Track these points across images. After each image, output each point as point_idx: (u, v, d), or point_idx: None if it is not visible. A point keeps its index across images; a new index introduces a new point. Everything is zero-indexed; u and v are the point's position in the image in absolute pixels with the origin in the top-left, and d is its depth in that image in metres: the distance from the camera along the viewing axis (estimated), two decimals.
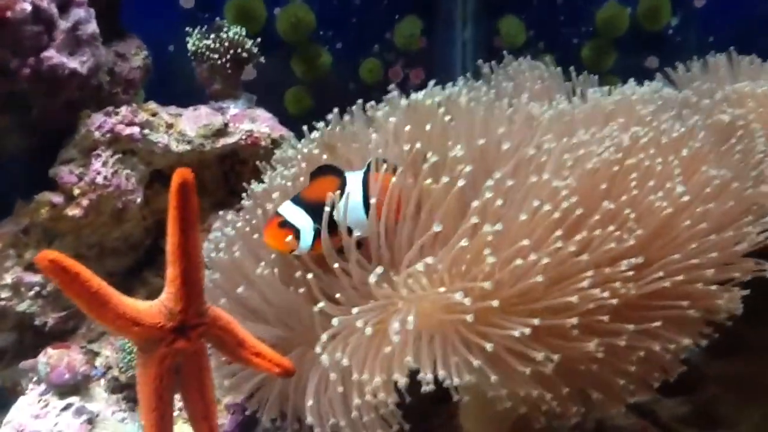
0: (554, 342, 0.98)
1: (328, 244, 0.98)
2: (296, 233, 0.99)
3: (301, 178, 1.17)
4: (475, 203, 0.98)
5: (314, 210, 1.00)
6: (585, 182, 1.04)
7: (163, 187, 1.65)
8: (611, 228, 0.99)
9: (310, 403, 1.02)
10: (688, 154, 1.10)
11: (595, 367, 1.01)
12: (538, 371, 0.96)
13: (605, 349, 0.98)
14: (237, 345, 0.82)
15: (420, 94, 1.20)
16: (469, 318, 0.93)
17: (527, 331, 0.93)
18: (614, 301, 0.96)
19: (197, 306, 0.78)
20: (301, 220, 0.99)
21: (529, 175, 1.03)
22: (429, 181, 1.02)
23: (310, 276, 1.03)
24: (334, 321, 0.99)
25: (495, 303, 0.93)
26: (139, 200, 1.54)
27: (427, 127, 1.10)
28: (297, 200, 1.02)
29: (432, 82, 1.22)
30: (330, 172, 1.04)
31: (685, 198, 1.04)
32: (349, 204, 1.00)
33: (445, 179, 1.01)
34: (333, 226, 1.00)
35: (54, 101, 1.46)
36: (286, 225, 0.99)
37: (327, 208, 0.97)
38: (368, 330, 0.97)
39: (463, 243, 0.96)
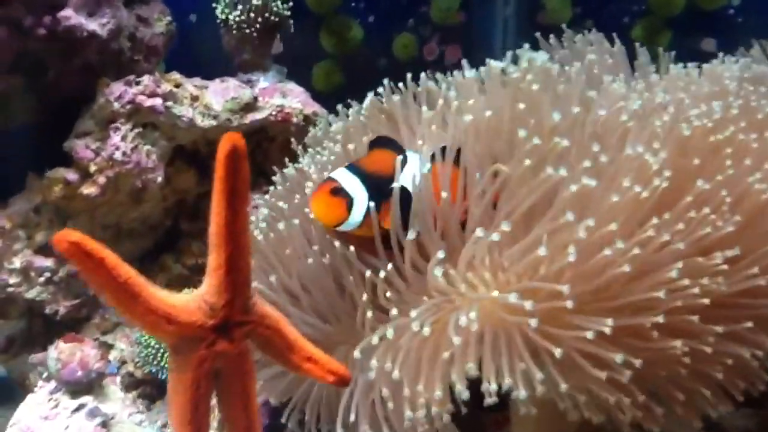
0: (633, 343, 0.85)
1: (394, 222, 0.86)
2: (349, 203, 0.87)
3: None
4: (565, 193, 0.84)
5: (372, 183, 0.87)
6: (676, 155, 0.91)
7: (185, 164, 1.52)
8: (706, 211, 0.86)
9: (353, 418, 0.90)
10: None
11: (680, 372, 0.88)
12: (614, 378, 0.83)
13: (690, 354, 0.86)
14: (287, 348, 0.69)
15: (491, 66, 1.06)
16: (534, 322, 0.80)
17: (607, 330, 0.80)
18: (705, 300, 0.84)
19: (243, 300, 0.65)
20: (357, 189, 0.87)
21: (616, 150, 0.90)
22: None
23: (354, 261, 0.91)
24: (388, 327, 0.86)
25: (569, 303, 0.80)
26: (160, 179, 1.41)
27: (520, 106, 0.96)
28: (354, 168, 0.89)
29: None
30: (391, 146, 0.90)
31: None
32: (411, 188, 0.87)
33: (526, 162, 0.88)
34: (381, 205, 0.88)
35: (70, 65, 1.33)
36: (339, 192, 0.87)
37: (396, 185, 0.83)
38: (426, 330, 0.83)
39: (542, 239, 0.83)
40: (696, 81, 1.12)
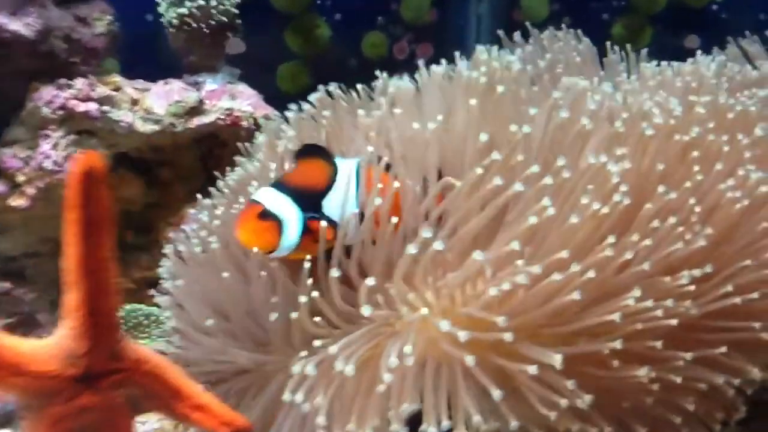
0: (591, 372, 0.76)
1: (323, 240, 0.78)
2: (279, 226, 0.78)
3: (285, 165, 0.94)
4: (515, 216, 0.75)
5: (303, 199, 0.79)
6: (638, 160, 0.82)
7: (130, 173, 1.43)
8: (672, 222, 0.77)
9: None
10: (764, 135, 0.88)
11: (646, 401, 0.80)
12: (573, 408, 0.74)
13: (657, 381, 0.78)
14: (171, 396, 0.59)
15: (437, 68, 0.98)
16: (470, 361, 0.71)
17: (556, 363, 0.71)
18: (672, 322, 0.76)
19: (110, 346, 0.55)
20: (287, 209, 0.78)
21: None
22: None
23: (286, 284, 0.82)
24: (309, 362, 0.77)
25: (507, 336, 0.71)
26: None
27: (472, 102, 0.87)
28: (280, 186, 0.80)
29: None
30: (318, 155, 0.81)
31: (764, 189, 0.84)
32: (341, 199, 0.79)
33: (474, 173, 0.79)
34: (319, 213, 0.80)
35: None
36: (267, 216, 0.78)
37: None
38: (348, 369, 0.74)
39: (478, 256, 0.74)
40: (668, 80, 1.02)
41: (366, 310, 0.77)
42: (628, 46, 1.19)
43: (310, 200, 0.80)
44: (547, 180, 0.78)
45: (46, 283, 1.43)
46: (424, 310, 0.78)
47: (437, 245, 0.75)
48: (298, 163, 0.85)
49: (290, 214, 0.79)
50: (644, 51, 1.19)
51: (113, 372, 0.56)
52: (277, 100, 1.55)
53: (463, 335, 0.71)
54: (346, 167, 0.84)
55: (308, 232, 0.79)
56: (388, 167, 0.83)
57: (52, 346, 0.54)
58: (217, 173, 1.11)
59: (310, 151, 0.84)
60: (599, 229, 0.78)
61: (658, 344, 0.77)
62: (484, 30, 2.00)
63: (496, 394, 0.71)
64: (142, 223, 1.48)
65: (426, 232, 0.75)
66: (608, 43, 1.21)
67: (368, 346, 0.81)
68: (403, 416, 0.75)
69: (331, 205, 0.82)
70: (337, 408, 0.79)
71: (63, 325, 0.54)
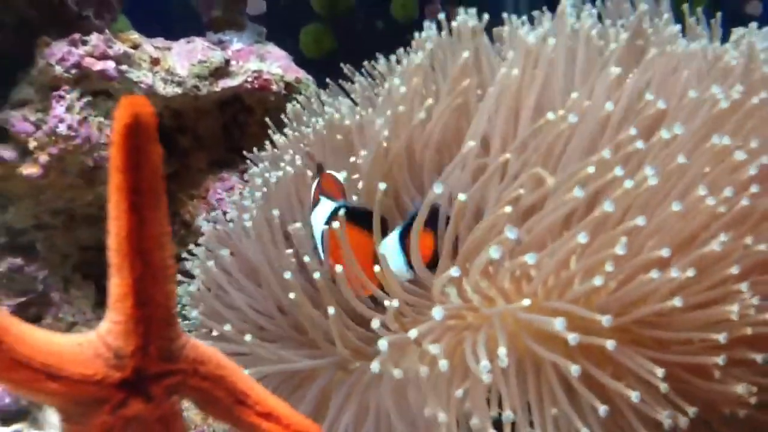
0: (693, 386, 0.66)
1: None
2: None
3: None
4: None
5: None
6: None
7: None
8: None
9: None
10: None
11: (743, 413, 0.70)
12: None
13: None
14: (236, 402, 0.49)
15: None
16: (575, 370, 0.60)
17: (662, 386, 0.61)
18: None
19: (164, 343, 0.44)
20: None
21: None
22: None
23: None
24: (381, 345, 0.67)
25: (610, 344, 0.61)
26: None
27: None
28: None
29: None
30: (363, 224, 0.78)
31: None
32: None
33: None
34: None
35: (1, 21, 1.11)
36: None
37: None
38: (443, 363, 0.64)
39: (580, 239, 0.63)
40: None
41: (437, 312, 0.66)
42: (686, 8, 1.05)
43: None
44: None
45: (58, 259, 1.32)
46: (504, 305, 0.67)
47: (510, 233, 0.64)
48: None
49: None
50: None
51: (167, 375, 0.45)
52: (300, 64, 1.44)
53: (573, 338, 0.61)
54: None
55: None
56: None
57: (94, 344, 0.43)
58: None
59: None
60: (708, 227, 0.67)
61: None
62: None
63: (602, 410, 0.61)
64: None
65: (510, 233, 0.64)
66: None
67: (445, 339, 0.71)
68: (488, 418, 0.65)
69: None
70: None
71: (107, 318, 0.43)
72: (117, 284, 0.43)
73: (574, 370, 0.61)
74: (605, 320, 0.61)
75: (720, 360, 0.65)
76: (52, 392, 0.43)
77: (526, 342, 0.68)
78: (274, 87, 1.30)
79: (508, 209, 0.69)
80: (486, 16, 0.96)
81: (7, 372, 0.41)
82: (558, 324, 0.61)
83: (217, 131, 1.38)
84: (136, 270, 0.42)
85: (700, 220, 0.66)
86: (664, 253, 0.63)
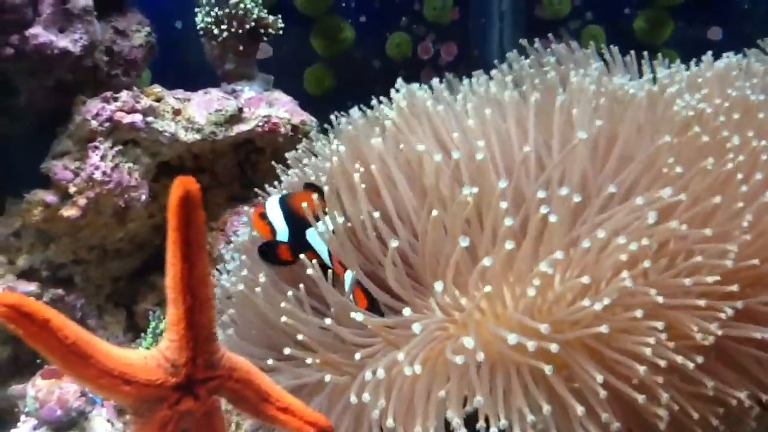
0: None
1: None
2: (272, 230, 0.96)
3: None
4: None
5: (292, 220, 0.95)
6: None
7: (171, 180, 1.46)
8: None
9: None
10: None
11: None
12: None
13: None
14: (260, 400, 0.63)
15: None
16: (549, 369, 0.74)
17: (601, 393, 0.75)
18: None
19: (207, 355, 0.59)
20: (278, 221, 0.95)
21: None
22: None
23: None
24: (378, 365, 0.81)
25: (553, 347, 0.75)
26: (144, 197, 1.36)
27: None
28: (282, 202, 0.96)
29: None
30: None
31: None
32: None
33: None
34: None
35: (43, 85, 1.27)
36: (264, 218, 0.96)
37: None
38: (417, 368, 0.78)
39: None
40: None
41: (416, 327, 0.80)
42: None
43: (300, 224, 0.93)
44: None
45: (93, 289, 1.47)
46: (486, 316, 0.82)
47: (486, 261, 0.79)
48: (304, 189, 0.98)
49: (280, 225, 0.95)
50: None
51: (210, 379, 0.60)
52: (304, 102, 1.59)
53: (531, 345, 0.75)
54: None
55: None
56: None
57: (157, 357, 0.58)
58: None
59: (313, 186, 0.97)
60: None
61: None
62: (507, 27, 2.02)
63: (546, 408, 0.75)
64: None
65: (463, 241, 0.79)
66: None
67: (429, 348, 0.85)
68: (461, 413, 0.79)
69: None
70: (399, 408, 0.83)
71: (165, 337, 0.59)
72: (173, 313, 0.58)
73: (548, 369, 0.74)
74: (543, 328, 0.75)
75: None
76: (126, 393, 0.58)
77: (497, 348, 0.82)
78: (282, 129, 1.45)
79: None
80: None
81: (96, 379, 0.56)
82: (511, 339, 0.75)
83: (233, 170, 1.53)
84: (187, 302, 0.57)
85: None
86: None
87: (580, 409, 0.76)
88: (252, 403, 0.63)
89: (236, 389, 0.62)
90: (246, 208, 1.42)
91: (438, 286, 0.79)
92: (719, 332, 0.78)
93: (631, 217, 0.80)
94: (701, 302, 0.78)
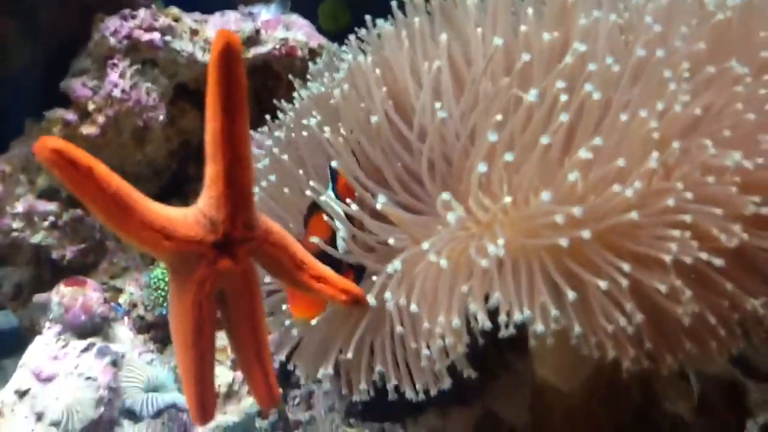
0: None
1: None
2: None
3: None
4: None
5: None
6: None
7: (188, 104, 1.47)
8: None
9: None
10: None
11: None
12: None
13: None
14: (295, 267, 0.64)
15: None
16: (564, 242, 0.75)
17: (624, 283, 0.75)
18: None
19: (245, 215, 0.60)
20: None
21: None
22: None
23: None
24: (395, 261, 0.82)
25: (586, 234, 0.75)
26: (162, 117, 1.36)
27: None
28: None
29: None
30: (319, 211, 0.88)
31: None
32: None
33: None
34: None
35: (66, 4, 1.27)
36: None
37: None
38: (443, 262, 0.79)
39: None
40: None
41: (451, 216, 0.81)
42: None
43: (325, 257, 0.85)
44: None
45: None
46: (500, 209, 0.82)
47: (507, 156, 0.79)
48: (310, 222, 0.89)
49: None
50: None
51: (246, 240, 0.61)
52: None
53: (560, 218, 0.75)
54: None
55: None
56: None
57: (195, 214, 0.59)
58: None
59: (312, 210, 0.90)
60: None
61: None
62: None
63: (571, 295, 0.76)
64: (201, 155, 1.53)
65: (492, 135, 0.79)
66: None
67: (452, 245, 0.86)
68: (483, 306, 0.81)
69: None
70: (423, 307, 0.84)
71: (204, 194, 0.59)
72: (212, 168, 0.58)
73: (564, 242, 0.75)
74: (576, 211, 0.75)
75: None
76: (166, 248, 0.58)
77: (521, 241, 0.82)
78: (299, 53, 1.45)
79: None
80: None
81: (137, 231, 0.57)
82: (545, 196, 0.75)
83: (250, 95, 1.53)
84: (227, 158, 0.58)
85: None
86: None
87: (603, 284, 0.76)
88: (287, 269, 0.64)
89: (272, 253, 0.63)
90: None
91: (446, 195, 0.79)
92: (744, 235, 0.79)
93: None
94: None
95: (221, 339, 0.90)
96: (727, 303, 0.82)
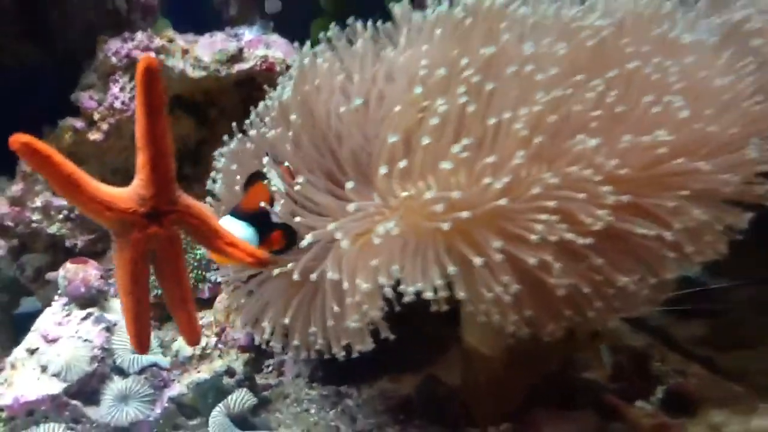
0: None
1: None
2: None
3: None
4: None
5: (255, 220, 0.96)
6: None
7: (184, 113, 1.69)
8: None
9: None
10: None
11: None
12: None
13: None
14: (211, 234, 0.84)
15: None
16: (446, 226, 0.92)
17: (497, 257, 0.91)
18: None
19: (168, 193, 0.80)
20: (242, 233, 0.94)
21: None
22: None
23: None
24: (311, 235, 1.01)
25: (465, 214, 0.92)
26: None
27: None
28: (235, 213, 0.96)
29: None
30: (260, 179, 1.04)
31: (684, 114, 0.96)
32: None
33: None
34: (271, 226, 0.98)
35: (72, 25, 1.50)
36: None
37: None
38: (344, 243, 0.97)
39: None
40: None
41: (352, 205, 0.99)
42: None
43: (263, 219, 0.97)
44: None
45: None
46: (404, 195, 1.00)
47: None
48: (248, 190, 1.03)
49: (247, 236, 0.94)
50: None
51: (171, 212, 0.81)
52: None
53: (440, 207, 0.93)
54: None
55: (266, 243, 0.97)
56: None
57: (130, 192, 0.79)
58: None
59: (254, 178, 1.04)
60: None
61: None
62: None
63: (451, 269, 0.93)
64: (195, 157, 1.75)
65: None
66: None
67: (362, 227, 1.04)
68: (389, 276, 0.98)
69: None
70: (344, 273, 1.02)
71: (136, 177, 0.80)
72: (141, 158, 0.79)
73: (446, 225, 0.93)
74: (455, 195, 0.93)
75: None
76: (108, 217, 0.79)
77: (418, 223, 1.00)
78: (278, 68, 1.65)
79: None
80: None
81: (86, 203, 0.77)
82: (428, 194, 0.93)
83: (238, 105, 1.74)
84: (151, 150, 0.78)
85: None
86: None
87: (477, 260, 0.93)
88: (205, 236, 0.84)
89: (192, 223, 0.83)
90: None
91: (349, 184, 0.97)
92: (610, 218, 0.92)
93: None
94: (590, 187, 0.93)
95: None
96: (600, 277, 0.98)
